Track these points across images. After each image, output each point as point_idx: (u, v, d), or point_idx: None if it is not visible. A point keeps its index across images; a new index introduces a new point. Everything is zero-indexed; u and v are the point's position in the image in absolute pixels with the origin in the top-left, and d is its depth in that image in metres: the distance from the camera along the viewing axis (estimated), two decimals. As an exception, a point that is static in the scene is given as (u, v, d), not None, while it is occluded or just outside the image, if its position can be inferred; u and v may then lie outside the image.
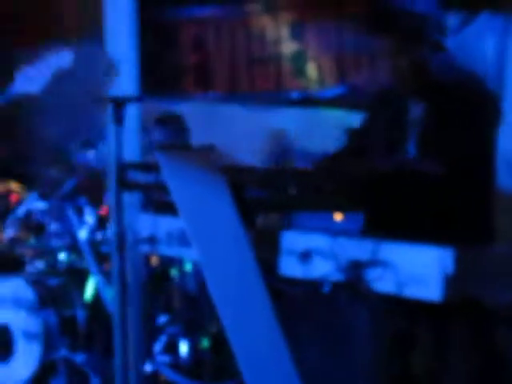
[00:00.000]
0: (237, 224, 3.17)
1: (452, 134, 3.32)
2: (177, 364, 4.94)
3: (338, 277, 3.03)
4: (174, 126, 5.30)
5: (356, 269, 2.99)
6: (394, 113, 3.53)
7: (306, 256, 3.11)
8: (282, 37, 6.17)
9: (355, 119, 4.42)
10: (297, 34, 6.12)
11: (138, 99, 4.29)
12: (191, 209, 3.26)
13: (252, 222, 3.25)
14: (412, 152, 3.45)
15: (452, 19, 5.44)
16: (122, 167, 3.82)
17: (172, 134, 5.27)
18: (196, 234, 3.27)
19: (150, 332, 4.93)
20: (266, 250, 3.22)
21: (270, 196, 3.47)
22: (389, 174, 3.34)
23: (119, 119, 3.69)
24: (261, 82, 6.28)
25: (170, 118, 5.36)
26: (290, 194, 3.44)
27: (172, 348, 4.99)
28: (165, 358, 4.97)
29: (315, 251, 3.10)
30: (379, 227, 3.25)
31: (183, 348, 4.93)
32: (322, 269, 3.07)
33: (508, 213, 3.74)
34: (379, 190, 3.34)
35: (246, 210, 3.24)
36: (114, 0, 4.47)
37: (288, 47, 6.15)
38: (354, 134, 3.75)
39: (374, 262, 2.94)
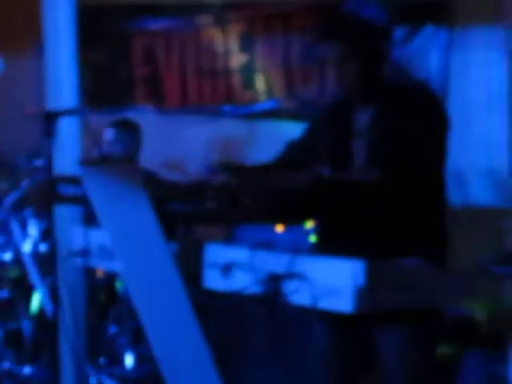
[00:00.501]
0: (158, 237, 3.18)
1: (399, 142, 3.31)
2: (123, 375, 4.92)
3: (257, 289, 3.04)
4: (126, 131, 5.29)
5: (274, 281, 3.00)
6: (340, 122, 3.52)
7: (227, 269, 3.12)
8: (230, 49, 6.20)
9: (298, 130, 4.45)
10: (246, 46, 6.17)
11: (74, 112, 4.26)
12: (113, 221, 3.27)
13: (174, 235, 3.27)
14: (357, 162, 3.44)
15: (398, 31, 5.48)
16: (53, 180, 3.82)
17: (123, 138, 5.27)
18: (118, 246, 3.29)
19: (97, 344, 4.92)
20: (190, 263, 3.23)
21: (194, 208, 3.48)
22: (329, 184, 3.35)
23: (50, 132, 3.67)
24: (209, 95, 6.31)
25: (124, 123, 5.35)
26: (214, 207, 3.46)
27: (118, 359, 4.97)
28: (111, 370, 4.95)
29: (237, 264, 3.11)
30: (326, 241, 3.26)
31: (129, 359, 4.92)
32: (242, 281, 3.08)
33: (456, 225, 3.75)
34: (315, 201, 3.35)
35: (168, 223, 3.26)
36: (52, 11, 4.42)
37: (236, 60, 6.20)
38: (292, 145, 3.74)
39: (291, 275, 2.96)
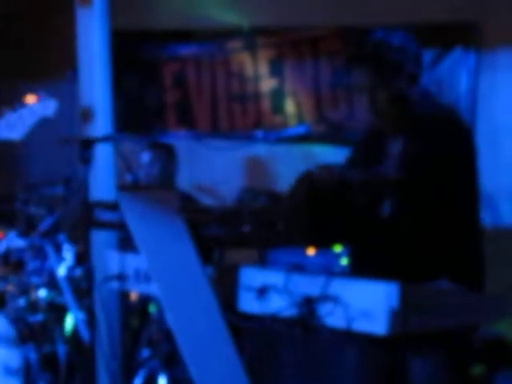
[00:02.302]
0: (195, 260, 3.22)
1: (428, 171, 3.31)
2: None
3: (291, 312, 3.07)
4: (162, 154, 5.35)
5: (308, 304, 3.03)
6: (375, 149, 3.54)
7: (262, 292, 3.15)
8: (260, 74, 6.25)
9: (330, 154, 4.47)
10: (276, 71, 6.23)
11: (109, 138, 4.31)
12: (150, 246, 3.31)
13: (211, 258, 3.30)
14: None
15: (427, 55, 5.49)
16: (89, 206, 3.87)
17: (158, 161, 5.34)
18: (155, 271, 3.32)
19: (132, 366, 4.94)
20: (226, 286, 3.26)
21: (229, 233, 3.50)
22: (368, 212, 3.38)
23: (87, 159, 3.71)
24: (240, 119, 6.33)
25: (161, 146, 5.40)
26: (249, 230, 3.48)
27: (152, 382, 4.98)
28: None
29: (272, 287, 3.15)
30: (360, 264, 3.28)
31: (162, 382, 4.93)
32: (277, 304, 3.11)
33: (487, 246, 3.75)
34: (353, 226, 3.37)
35: (205, 247, 3.30)
36: (87, 41, 4.48)
37: (267, 84, 6.25)
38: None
39: (325, 298, 2.99)
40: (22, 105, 3.98)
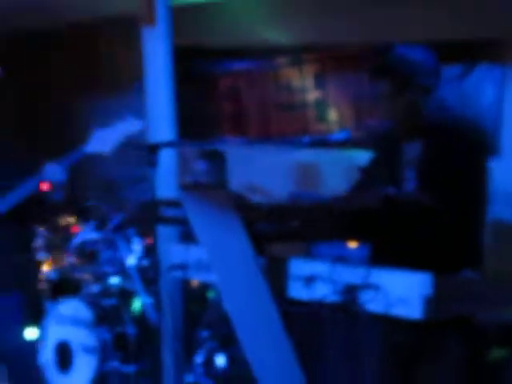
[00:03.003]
0: (249, 253, 3.20)
1: (443, 169, 3.31)
2: (214, 375, 4.94)
3: (335, 298, 3.05)
4: (216, 160, 5.36)
5: (351, 291, 3.01)
6: (393, 152, 3.53)
7: (309, 281, 3.13)
8: (306, 86, 6.22)
9: (364, 158, 4.45)
10: (319, 83, 6.19)
11: (171, 144, 4.32)
12: (209, 240, 3.30)
13: (263, 251, 3.29)
14: (411, 187, 3.45)
15: (453, 69, 5.43)
16: (157, 204, 3.88)
17: (212, 166, 5.33)
18: (214, 261, 3.31)
19: (192, 346, 4.95)
20: (276, 275, 3.25)
21: (279, 228, 3.49)
22: (389, 207, 3.35)
23: (153, 162, 3.72)
24: (288, 127, 6.31)
25: (212, 153, 5.41)
26: (296, 226, 3.47)
27: (210, 361, 4.99)
28: (203, 370, 4.97)
29: (318, 276, 3.13)
30: (384, 254, 3.25)
31: (220, 361, 4.93)
32: (322, 292, 3.09)
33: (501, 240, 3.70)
34: (380, 221, 3.35)
35: (257, 241, 3.28)
36: (152, 57, 4.50)
37: (311, 96, 6.21)
38: (360, 172, 3.76)
39: (366, 286, 2.97)
40: (111, 123, 4.02)
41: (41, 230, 5.62)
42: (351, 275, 3.00)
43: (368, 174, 3.66)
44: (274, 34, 6.17)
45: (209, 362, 4.97)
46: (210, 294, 4.98)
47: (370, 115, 5.68)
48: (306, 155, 5.97)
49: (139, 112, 4.56)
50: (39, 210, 4.29)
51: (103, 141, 4.02)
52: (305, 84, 6.23)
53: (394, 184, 3.46)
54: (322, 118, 6.14)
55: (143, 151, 3.73)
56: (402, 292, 2.86)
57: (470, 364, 3.24)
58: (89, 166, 6.69)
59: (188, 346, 4.82)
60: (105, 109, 6.24)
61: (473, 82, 5.43)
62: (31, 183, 4.05)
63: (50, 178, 4.06)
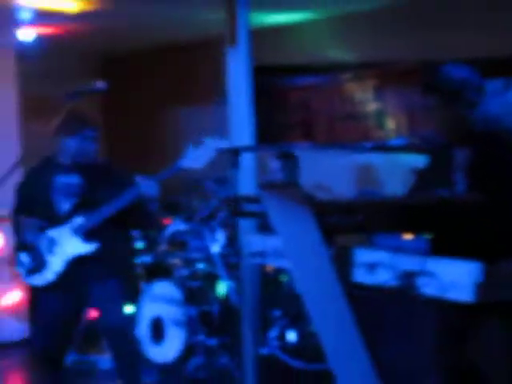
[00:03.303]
0: (320, 243, 3.21)
1: (488, 172, 3.29)
2: (286, 348, 4.95)
3: (394, 283, 3.04)
4: (288, 162, 5.38)
5: (408, 277, 2.99)
6: (444, 158, 3.51)
7: (373, 267, 3.13)
8: (366, 98, 6.19)
9: (420, 162, 4.41)
10: (378, 96, 6.14)
11: (251, 149, 4.33)
12: (285, 231, 3.31)
13: (331, 242, 3.29)
14: (462, 187, 3.42)
15: (496, 84, 5.34)
16: (239, 200, 3.90)
17: (286, 167, 5.36)
18: (289, 250, 3.32)
19: (266, 323, 4.95)
20: (343, 263, 3.25)
21: (345, 221, 3.49)
22: (444, 204, 3.32)
23: (235, 164, 3.74)
24: (351, 134, 6.27)
25: (286, 155, 5.43)
26: (360, 219, 3.46)
27: (282, 336, 5.00)
28: (277, 344, 4.98)
29: (380, 264, 3.12)
30: (439, 246, 3.22)
31: (291, 336, 4.94)
32: (383, 277, 3.08)
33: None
34: (439, 216, 3.32)
35: (327, 233, 3.28)
36: (235, 72, 4.50)
37: (371, 107, 6.17)
38: (416, 175, 3.74)
39: (422, 273, 2.95)
40: (201, 142, 4.05)
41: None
42: (409, 263, 2.99)
43: (423, 177, 3.64)
44: (339, 53, 6.17)
45: (281, 337, 4.99)
46: (283, 278, 5.00)
47: (423, 124, 5.62)
48: (366, 158, 5.95)
49: (223, 122, 4.60)
50: (137, 216, 4.31)
51: (196, 158, 4.05)
52: (365, 96, 6.19)
53: (446, 186, 3.44)
54: (380, 126, 6.09)
55: (227, 155, 3.77)
56: (454, 278, 2.84)
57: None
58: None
59: (263, 323, 4.82)
60: (195, 120, 6.30)
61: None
62: (130, 194, 4.07)
63: (145, 193, 4.06)
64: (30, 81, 6.43)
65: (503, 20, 5.33)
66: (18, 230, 4.30)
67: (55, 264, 4.18)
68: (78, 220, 4.12)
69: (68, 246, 4.16)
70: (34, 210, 4.25)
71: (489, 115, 3.75)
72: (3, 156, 4.57)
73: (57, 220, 4.19)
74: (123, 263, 4.45)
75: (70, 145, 4.15)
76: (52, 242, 4.19)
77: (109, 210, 4.08)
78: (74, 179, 4.20)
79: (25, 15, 5.91)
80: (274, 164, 5.29)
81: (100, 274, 4.22)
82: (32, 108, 6.38)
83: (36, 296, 4.77)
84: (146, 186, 4.04)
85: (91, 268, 4.18)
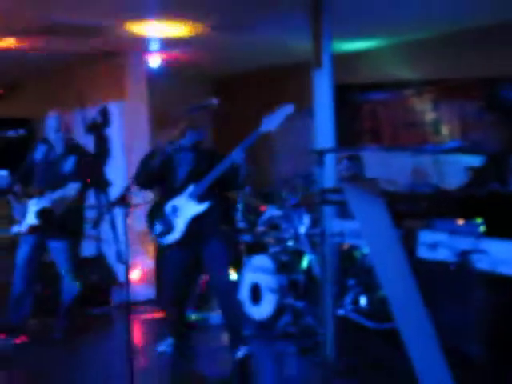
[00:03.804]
0: (390, 226, 3.19)
1: None
2: (358, 311, 4.90)
3: (452, 259, 3.00)
4: (354, 161, 5.32)
5: (464, 255, 2.95)
6: (501, 161, 3.43)
7: (434, 246, 3.10)
8: (425, 110, 6.07)
9: (472, 161, 4.30)
10: (435, 108, 6.02)
11: (333, 150, 4.31)
12: (363, 216, 3.31)
13: (400, 224, 3.27)
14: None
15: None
16: (323, 191, 3.90)
17: (353, 165, 5.28)
18: (366, 232, 3.31)
19: (343, 290, 4.90)
20: (409, 242, 3.22)
21: (410, 208, 3.46)
22: (498, 197, 3.26)
23: (321, 163, 3.71)
24: (412, 139, 6.17)
25: (353, 156, 5.37)
26: (425, 208, 3.42)
27: (356, 301, 4.94)
28: (351, 307, 4.93)
29: (440, 243, 3.08)
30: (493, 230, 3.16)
31: (363, 301, 4.88)
32: (443, 254, 3.05)
33: None
34: (492, 206, 3.26)
35: (396, 217, 3.26)
36: (319, 89, 4.48)
37: (429, 116, 6.05)
38: (475, 171, 3.66)
39: (476, 251, 2.90)
40: (273, 110, 4.05)
41: (240, 210, 5.73)
42: (464, 243, 2.95)
43: (479, 173, 3.56)
44: (403, 73, 6.08)
45: (354, 302, 4.94)
46: (357, 254, 4.94)
47: (472, 131, 5.47)
48: (426, 159, 5.85)
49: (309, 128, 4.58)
50: (231, 179, 4.33)
51: (270, 122, 4.05)
52: (424, 108, 6.08)
53: (500, 183, 3.37)
54: (437, 132, 5.98)
55: (314, 155, 3.76)
56: (504, 255, 2.78)
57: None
58: (270, 165, 6.85)
59: (340, 290, 4.78)
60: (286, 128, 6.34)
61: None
62: (224, 164, 4.16)
63: (235, 160, 4.13)
64: (156, 99, 6.55)
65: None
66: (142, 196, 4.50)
67: (180, 225, 4.32)
68: (191, 187, 4.27)
69: (187, 209, 4.29)
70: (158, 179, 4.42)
71: None
72: (139, 154, 4.71)
73: (175, 189, 4.36)
74: (226, 228, 4.53)
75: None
76: (175, 209, 4.33)
77: (211, 177, 4.20)
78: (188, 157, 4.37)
79: (154, 45, 6.08)
80: (344, 163, 5.23)
81: (208, 234, 4.37)
82: (158, 119, 6.49)
83: (163, 257, 4.91)
84: (235, 154, 4.12)
85: (204, 224, 4.32)
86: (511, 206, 3.20)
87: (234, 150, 4.15)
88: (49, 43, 5.76)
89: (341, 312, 4.73)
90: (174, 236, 4.35)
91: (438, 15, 5.13)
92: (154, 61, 6.41)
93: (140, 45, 6.05)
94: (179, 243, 4.37)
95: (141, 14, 5.02)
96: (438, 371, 3.06)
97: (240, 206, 5.71)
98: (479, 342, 3.40)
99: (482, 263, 2.87)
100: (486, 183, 3.35)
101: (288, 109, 4.02)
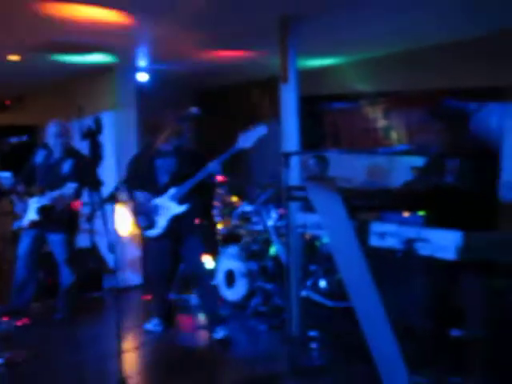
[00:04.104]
0: (346, 218, 3.21)
1: (473, 170, 3.24)
2: (319, 292, 4.92)
3: (399, 246, 3.02)
4: (321, 161, 5.32)
5: (409, 242, 2.97)
6: (440, 162, 3.46)
7: (383, 235, 3.11)
8: (378, 118, 6.11)
9: (416, 162, 4.34)
10: (386, 116, 6.05)
11: (297, 153, 4.31)
12: (323, 210, 3.32)
13: (354, 217, 3.28)
14: (450, 180, 3.37)
15: (472, 106, 5.23)
16: (289, 189, 3.91)
17: (319, 164, 5.26)
18: (325, 224, 3.33)
19: (305, 274, 4.88)
20: (362, 232, 3.24)
21: (363, 203, 3.47)
22: (438, 191, 3.29)
23: (287, 164, 3.72)
24: (367, 142, 6.19)
25: (320, 157, 5.38)
26: (377, 202, 3.44)
27: (316, 283, 4.96)
28: (312, 288, 4.94)
29: (388, 233, 3.10)
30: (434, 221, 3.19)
31: (322, 283, 4.90)
32: (391, 242, 3.07)
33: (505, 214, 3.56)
34: (432, 199, 3.29)
35: (352, 211, 3.28)
36: (286, 101, 4.47)
37: (381, 123, 6.09)
38: (419, 170, 3.68)
39: (419, 239, 2.92)
40: (250, 129, 4.02)
41: (217, 204, 5.72)
42: (409, 232, 2.97)
43: (422, 172, 3.59)
44: (359, 86, 6.10)
45: (315, 284, 4.96)
46: (317, 243, 4.97)
47: (416, 136, 5.51)
48: (378, 160, 5.90)
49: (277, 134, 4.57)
50: (206, 186, 4.33)
51: (246, 139, 4.03)
52: (377, 116, 6.12)
53: (439, 180, 3.40)
54: (387, 137, 6.02)
55: (281, 157, 3.75)
56: (442, 242, 2.81)
57: (485, 286, 3.14)
58: (245, 167, 6.83)
59: (304, 274, 4.79)
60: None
61: (484, 114, 5.21)
62: (203, 172, 4.15)
63: (212, 171, 4.12)
64: (145, 109, 6.52)
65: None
66: (131, 197, 4.44)
67: (161, 222, 4.31)
68: (172, 190, 4.25)
69: (168, 209, 4.28)
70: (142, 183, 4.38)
71: (474, 135, 3.70)
72: (128, 158, 4.72)
73: (158, 190, 4.33)
74: (204, 223, 4.52)
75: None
76: (157, 207, 4.31)
77: (190, 184, 4.19)
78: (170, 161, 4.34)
79: (141, 67, 6.08)
80: (311, 163, 5.24)
81: (188, 230, 4.34)
82: (145, 127, 6.47)
83: (148, 247, 4.89)
84: (212, 166, 4.12)
85: (183, 222, 4.30)
86: (448, 200, 3.23)
87: (212, 162, 4.12)
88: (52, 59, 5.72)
89: (304, 293, 4.75)
90: (156, 231, 4.35)
91: (389, 38, 5.21)
92: (142, 76, 6.38)
93: (130, 62, 6.03)
94: (160, 237, 4.36)
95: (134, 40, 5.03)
96: (387, 341, 3.10)
97: (217, 203, 5.71)
98: (422, 316, 3.44)
99: (423, 250, 2.91)
100: (428, 180, 3.39)
101: (262, 130, 4.01)
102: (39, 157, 4.89)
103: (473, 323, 3.12)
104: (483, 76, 5.07)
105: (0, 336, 4.19)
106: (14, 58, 5.61)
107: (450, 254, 2.75)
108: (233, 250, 5.33)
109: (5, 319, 4.62)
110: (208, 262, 5.44)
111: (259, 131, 3.97)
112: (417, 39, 5.27)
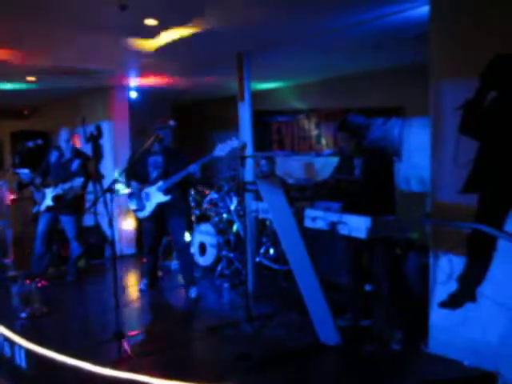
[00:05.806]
0: (287, 206, 3.23)
1: (371, 167, 3.23)
2: (268, 258, 4.97)
3: (325, 227, 3.06)
4: (270, 161, 5.28)
5: (333, 224, 3.01)
6: (348, 162, 3.46)
7: (314, 219, 3.14)
8: (311, 128, 6.14)
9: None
10: (317, 127, 6.08)
11: (251, 156, 4.28)
12: (270, 200, 3.34)
13: (293, 205, 3.30)
14: (357, 175, 3.36)
15: (378, 120, 5.32)
16: (245, 183, 3.90)
17: (268, 163, 5.21)
18: (272, 209, 3.33)
19: (258, 245, 4.91)
20: (299, 216, 3.26)
21: (300, 195, 3.49)
22: (346, 184, 3.29)
23: (243, 164, 3.70)
24: (304, 147, 6.21)
25: (269, 158, 5.33)
26: (308, 193, 3.46)
27: (267, 251, 5.00)
28: (264, 256, 4.99)
29: (318, 217, 3.13)
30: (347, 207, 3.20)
31: (271, 251, 4.95)
32: (320, 224, 3.10)
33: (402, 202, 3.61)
34: (344, 191, 3.30)
35: (290, 200, 3.30)
36: (243, 115, 4.42)
37: (314, 132, 6.12)
38: (335, 168, 3.69)
39: (340, 222, 2.96)
40: (226, 141, 3.98)
41: (192, 192, 5.68)
42: (333, 217, 3.01)
43: (336, 170, 3.59)
44: (297, 104, 6.14)
45: (266, 252, 5.01)
46: (267, 223, 5.00)
47: (340, 143, 5.58)
48: (313, 161, 5.96)
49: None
50: (188, 182, 4.30)
51: (222, 149, 3.98)
52: (310, 127, 6.15)
53: (349, 175, 3.36)
54: (318, 143, 6.07)
55: (239, 159, 3.74)
56: (356, 225, 2.87)
57: (387, 255, 3.21)
58: (216, 164, 6.80)
59: (257, 245, 4.82)
60: (223, 136, 6.29)
61: (389, 126, 5.32)
62: (186, 171, 4.05)
63: (192, 171, 4.02)
64: (134, 119, 6.40)
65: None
66: (128, 185, 4.35)
67: (149, 206, 4.23)
68: (160, 183, 4.16)
69: (155, 197, 4.19)
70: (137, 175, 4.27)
71: (372, 139, 3.74)
72: (122, 157, 4.62)
73: (149, 181, 4.24)
74: (183, 208, 4.46)
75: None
76: (147, 195, 4.23)
77: (174, 179, 4.10)
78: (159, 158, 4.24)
79: (132, 87, 5.93)
80: (263, 163, 5.24)
81: (171, 213, 4.26)
82: (136, 133, 6.36)
83: (141, 225, 4.82)
84: (192, 167, 4.02)
85: (167, 209, 4.23)
86: (354, 191, 3.26)
87: (192, 164, 4.01)
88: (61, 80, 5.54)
89: (257, 259, 4.78)
90: (145, 213, 4.29)
91: (315, 69, 5.28)
92: (133, 93, 6.25)
93: (124, 82, 5.90)
94: (147, 218, 4.31)
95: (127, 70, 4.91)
96: (317, 295, 3.16)
97: (192, 192, 5.67)
98: (343, 276, 3.52)
99: (343, 230, 2.96)
100: (340, 175, 3.41)
101: (235, 143, 3.93)
102: (53, 156, 4.81)
103: (379, 280, 3.22)
104: (388, 97, 5.22)
105: (23, 295, 4.07)
106: (31, 78, 5.41)
107: (361, 234, 2.81)
108: (204, 227, 5.27)
109: (27, 282, 4.51)
110: (186, 237, 5.40)
111: (232, 144, 3.92)
112: (336, 70, 5.36)
